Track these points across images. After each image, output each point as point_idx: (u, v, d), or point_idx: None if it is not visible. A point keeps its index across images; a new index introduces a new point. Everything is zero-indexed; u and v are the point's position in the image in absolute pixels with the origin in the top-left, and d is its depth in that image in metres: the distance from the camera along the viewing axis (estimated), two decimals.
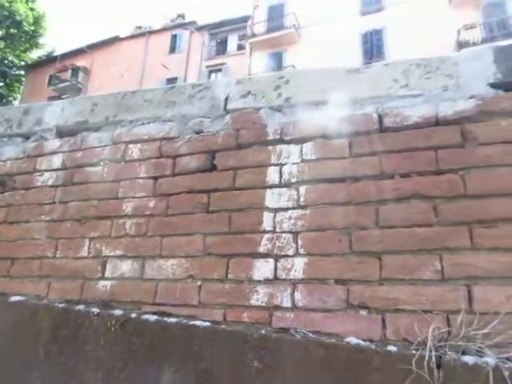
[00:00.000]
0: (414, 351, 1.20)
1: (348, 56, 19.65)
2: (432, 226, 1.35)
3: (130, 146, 1.91)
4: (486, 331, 1.18)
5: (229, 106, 1.75)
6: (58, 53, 30.59)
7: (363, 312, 1.35)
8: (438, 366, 1.16)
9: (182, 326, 1.52)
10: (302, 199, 1.53)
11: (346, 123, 1.54)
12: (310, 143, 1.57)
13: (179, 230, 1.68)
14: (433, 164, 1.39)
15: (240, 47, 25.79)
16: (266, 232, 1.54)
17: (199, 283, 1.58)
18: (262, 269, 1.50)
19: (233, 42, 26.49)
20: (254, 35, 23.66)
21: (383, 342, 1.29)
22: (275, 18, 23.62)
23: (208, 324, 1.49)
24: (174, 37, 27.70)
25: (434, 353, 1.18)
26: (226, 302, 1.51)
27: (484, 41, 17.87)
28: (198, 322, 1.50)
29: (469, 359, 1.15)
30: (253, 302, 1.48)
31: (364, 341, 1.30)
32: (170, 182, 1.77)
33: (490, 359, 1.13)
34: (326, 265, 1.43)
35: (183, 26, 27.87)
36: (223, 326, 1.47)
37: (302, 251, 1.48)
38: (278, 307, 1.44)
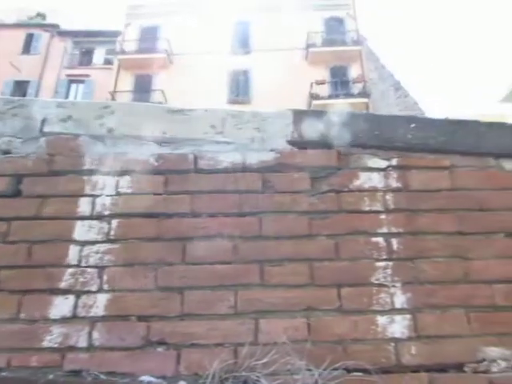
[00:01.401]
0: None
1: (216, 90, 20.57)
2: (231, 263, 1.47)
3: None
4: (265, 361, 1.31)
5: (45, 129, 1.64)
6: None
7: (161, 348, 1.37)
8: None
9: None
10: (112, 233, 1.50)
11: (164, 161, 1.59)
12: (127, 177, 1.57)
13: None
14: (237, 206, 1.53)
15: (107, 62, 24.68)
16: (69, 266, 1.46)
17: None
18: (60, 306, 1.41)
19: (100, 54, 25.24)
20: (123, 52, 22.96)
21: (175, 378, 1.32)
22: (148, 39, 23.44)
23: None
24: (30, 36, 25.04)
25: None
26: (14, 345, 1.36)
27: (330, 96, 20.78)
28: None
29: None
30: (45, 343, 1.36)
31: (157, 378, 1.32)
32: None
33: None
34: (129, 301, 1.42)
35: (43, 26, 25.45)
36: (4, 374, 1.32)
37: (106, 287, 1.44)
38: (72, 348, 1.36)
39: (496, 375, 1.27)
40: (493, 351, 1.31)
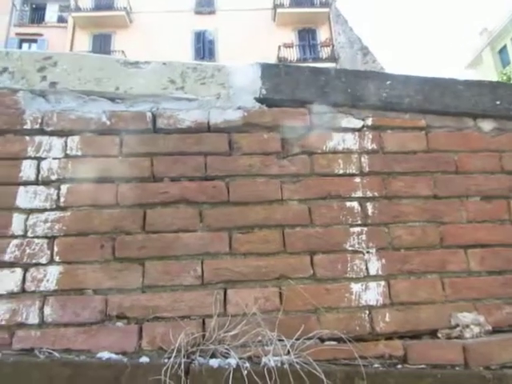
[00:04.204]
0: (166, 360, 1.18)
1: (180, 51, 19.69)
2: (196, 231, 1.35)
3: None
4: (234, 332, 1.23)
5: None
6: None
7: (120, 323, 1.26)
8: (187, 373, 1.16)
9: None
10: (62, 200, 1.35)
11: (119, 119, 1.43)
12: (77, 137, 1.40)
13: None
14: (201, 170, 1.41)
15: (61, 19, 22.97)
16: (14, 237, 1.30)
17: None
18: (6, 280, 1.27)
19: (52, 12, 23.39)
20: (78, 9, 21.39)
21: (138, 354, 1.23)
22: None
23: None
24: None
25: (183, 359, 1.17)
26: None
27: (298, 60, 20.41)
28: None
29: (214, 362, 1.18)
30: None
31: (117, 354, 1.22)
32: None
33: (233, 360, 1.18)
34: (84, 273, 1.29)
35: None
36: None
37: (57, 259, 1.30)
38: (22, 325, 1.23)
39: (469, 341, 1.26)
40: (466, 317, 1.29)
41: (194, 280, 1.31)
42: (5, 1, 22.52)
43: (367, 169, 1.45)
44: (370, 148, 1.48)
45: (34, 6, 23.43)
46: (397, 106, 1.54)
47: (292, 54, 20.94)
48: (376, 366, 1.19)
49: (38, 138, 1.38)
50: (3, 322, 1.23)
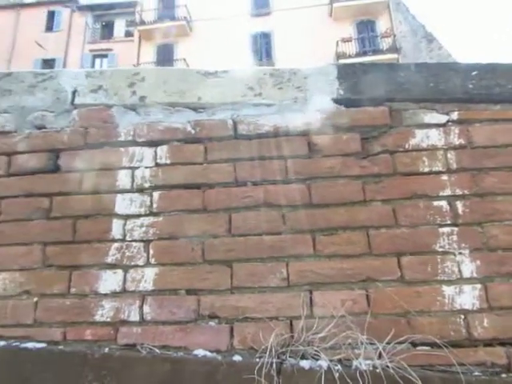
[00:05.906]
0: (257, 359, 1.21)
1: (239, 55, 20.05)
2: (280, 233, 1.38)
3: None
4: (322, 335, 1.24)
5: (77, 101, 1.57)
6: None
7: (212, 322, 1.32)
8: (278, 373, 1.19)
9: (10, 350, 1.32)
10: (154, 205, 1.44)
11: (203, 128, 1.50)
12: (165, 146, 1.49)
13: (13, 238, 1.46)
14: (283, 173, 1.43)
15: (128, 34, 24.44)
16: (114, 241, 1.42)
17: (36, 299, 1.39)
18: (109, 281, 1.38)
19: (120, 27, 24.99)
20: (143, 23, 22.62)
21: (230, 352, 1.28)
22: (166, 7, 22.95)
23: (43, 345, 1.32)
24: (52, 14, 24.99)
25: (275, 359, 1.20)
26: (67, 319, 1.36)
27: (357, 54, 19.84)
28: (30, 344, 1.32)
29: (305, 363, 1.19)
30: (97, 317, 1.35)
31: (211, 352, 1.28)
32: (4, 183, 1.52)
33: (324, 362, 1.19)
34: (177, 275, 1.38)
35: (62, 2, 25.28)
36: (61, 347, 1.32)
37: (153, 261, 1.39)
38: (124, 322, 1.34)
39: None
40: None
41: (280, 282, 1.34)
42: (79, 21, 24.45)
43: (455, 165, 1.39)
44: (456, 143, 1.42)
45: (103, 23, 25.19)
46: (485, 97, 1.45)
47: (351, 49, 20.42)
48: (476, 374, 1.14)
49: (131, 149, 1.49)
50: (108, 319, 1.35)
